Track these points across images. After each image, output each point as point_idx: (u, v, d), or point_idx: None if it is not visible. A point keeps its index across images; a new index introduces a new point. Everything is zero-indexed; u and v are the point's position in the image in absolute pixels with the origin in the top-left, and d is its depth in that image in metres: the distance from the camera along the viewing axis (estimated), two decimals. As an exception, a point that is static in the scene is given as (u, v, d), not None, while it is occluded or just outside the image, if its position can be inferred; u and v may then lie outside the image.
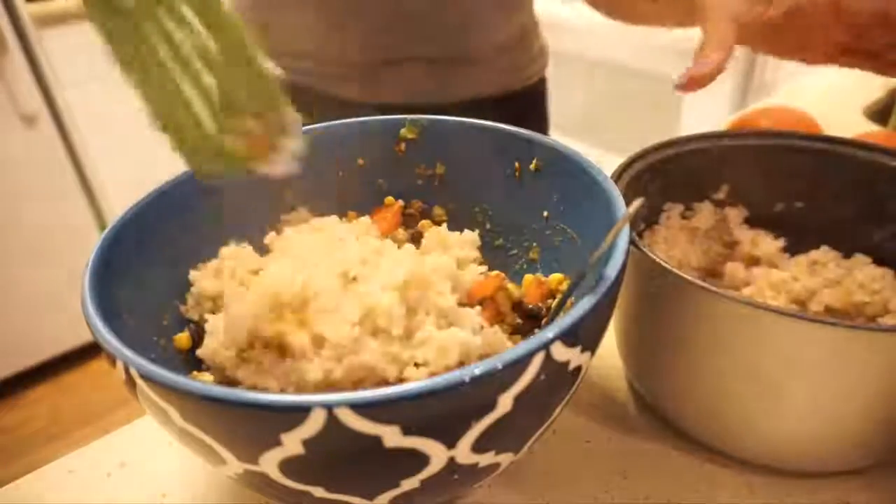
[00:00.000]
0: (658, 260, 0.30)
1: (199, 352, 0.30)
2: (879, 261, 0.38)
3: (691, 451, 0.35)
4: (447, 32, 0.59)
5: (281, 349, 0.29)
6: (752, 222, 0.42)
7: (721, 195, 0.42)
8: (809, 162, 0.40)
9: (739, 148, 0.41)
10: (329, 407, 0.19)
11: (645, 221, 0.40)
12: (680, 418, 0.36)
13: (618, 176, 0.36)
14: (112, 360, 0.23)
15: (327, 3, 0.56)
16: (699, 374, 0.32)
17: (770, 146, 0.40)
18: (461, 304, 0.31)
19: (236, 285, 0.33)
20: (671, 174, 0.40)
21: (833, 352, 0.27)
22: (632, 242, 0.31)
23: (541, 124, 0.74)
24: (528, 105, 0.69)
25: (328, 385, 0.26)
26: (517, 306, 0.36)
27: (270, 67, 0.26)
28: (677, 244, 0.40)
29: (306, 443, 0.21)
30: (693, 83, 0.35)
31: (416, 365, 0.27)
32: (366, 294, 0.28)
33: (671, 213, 0.41)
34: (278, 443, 0.21)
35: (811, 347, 0.27)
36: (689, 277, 0.29)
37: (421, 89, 0.60)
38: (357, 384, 0.27)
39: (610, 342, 0.38)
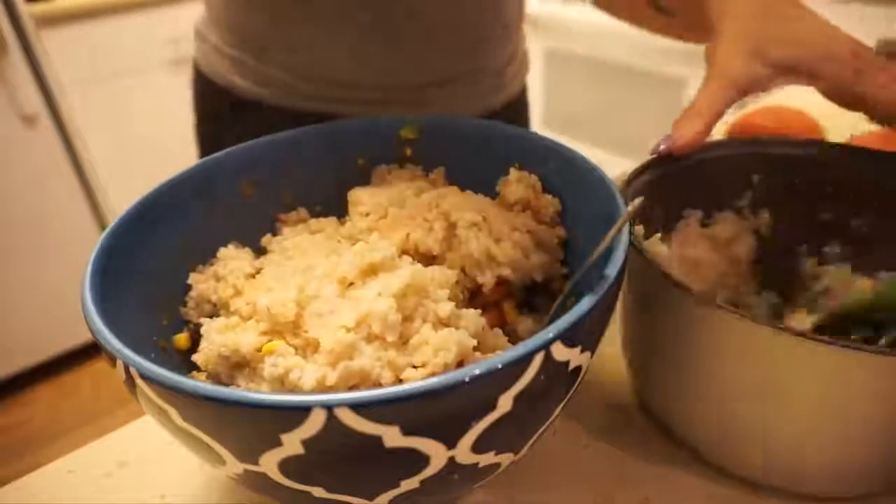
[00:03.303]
0: (663, 271, 0.29)
1: (194, 357, 0.30)
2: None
3: (689, 456, 0.35)
4: (469, 49, 0.59)
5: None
6: (775, 231, 0.41)
7: (744, 202, 0.41)
8: (835, 172, 0.39)
9: (762, 156, 0.40)
10: (329, 407, 0.19)
11: (662, 228, 0.39)
12: (682, 433, 0.35)
13: (629, 181, 0.35)
14: (112, 360, 0.23)
15: (364, 33, 0.54)
16: (702, 390, 0.32)
17: (794, 155, 0.40)
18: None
19: (231, 292, 0.32)
20: (692, 180, 0.39)
21: (841, 374, 0.26)
22: (639, 251, 0.30)
23: (526, 126, 0.74)
24: (516, 113, 0.69)
25: (322, 390, 0.26)
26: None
27: None
28: (695, 252, 0.40)
29: (306, 443, 0.21)
30: (667, 155, 0.36)
31: (415, 367, 0.27)
32: (362, 299, 0.28)
33: (690, 221, 0.40)
34: (278, 443, 0.21)
35: (815, 368, 0.27)
36: (692, 289, 0.28)
37: (458, 107, 0.60)
38: (352, 390, 0.27)
39: (612, 343, 0.38)
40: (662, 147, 0.36)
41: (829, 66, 0.35)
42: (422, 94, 0.58)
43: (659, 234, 0.37)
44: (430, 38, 0.56)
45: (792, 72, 0.35)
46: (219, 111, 0.63)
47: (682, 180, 0.38)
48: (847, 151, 0.39)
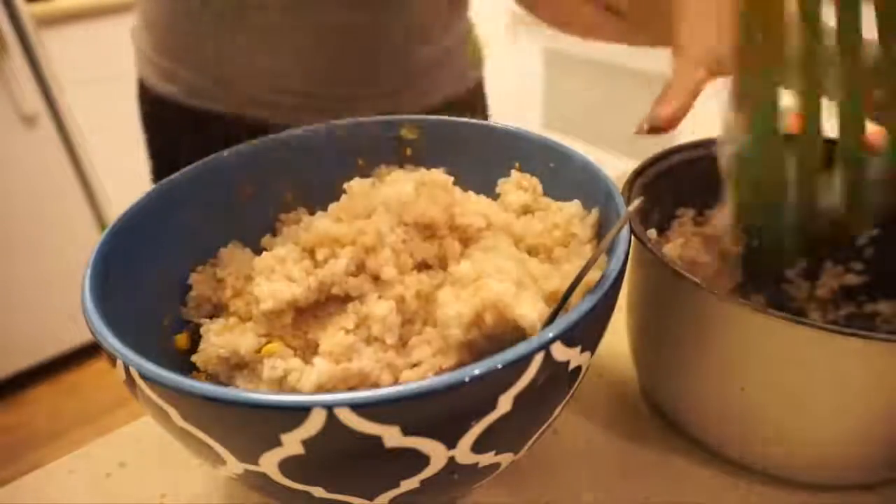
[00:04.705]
0: (671, 265, 0.30)
1: (193, 358, 0.30)
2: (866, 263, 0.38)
3: (693, 453, 0.35)
4: (397, 51, 0.59)
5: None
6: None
7: None
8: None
9: None
10: (329, 407, 0.19)
11: (658, 227, 0.40)
12: (688, 424, 0.35)
13: (632, 182, 0.36)
14: (112, 360, 0.23)
15: (298, 39, 0.55)
16: (720, 386, 0.32)
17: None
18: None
19: (231, 293, 0.32)
20: (684, 179, 0.39)
21: (864, 365, 0.26)
22: (646, 247, 0.31)
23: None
24: (471, 108, 0.69)
25: (321, 391, 0.26)
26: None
27: None
28: (691, 249, 0.40)
29: (306, 443, 0.21)
30: (653, 132, 0.35)
31: (414, 365, 0.27)
32: (361, 301, 0.28)
33: (684, 220, 0.41)
34: (278, 443, 0.21)
35: (836, 359, 0.27)
36: (702, 283, 0.28)
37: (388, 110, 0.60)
38: (351, 390, 0.27)
39: (614, 342, 0.38)
40: (645, 126, 0.35)
41: None
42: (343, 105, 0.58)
43: (655, 234, 0.37)
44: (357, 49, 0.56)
45: None
46: (160, 123, 0.63)
47: (675, 179, 0.39)
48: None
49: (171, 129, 0.62)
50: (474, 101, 0.70)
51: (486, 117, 0.73)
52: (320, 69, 0.57)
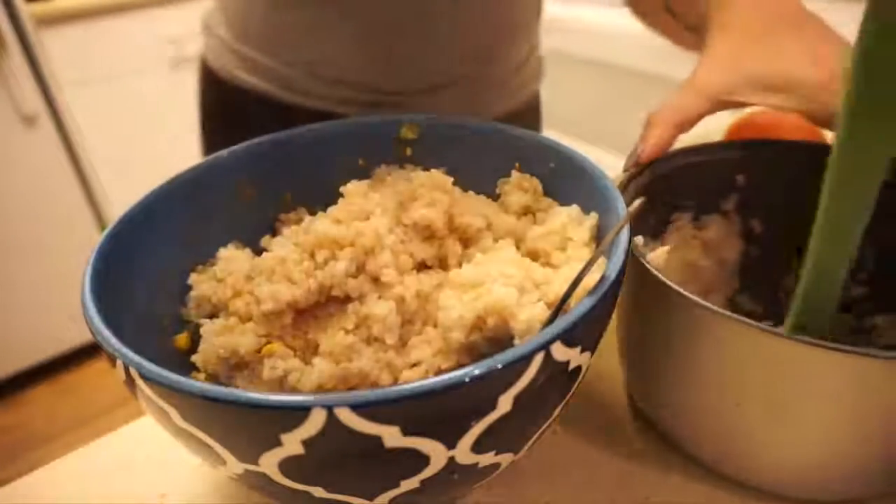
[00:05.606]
0: (657, 275, 0.29)
1: (193, 358, 0.30)
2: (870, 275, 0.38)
3: (689, 468, 0.35)
4: (477, 56, 0.58)
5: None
6: (764, 232, 0.41)
7: (729, 205, 0.41)
8: (818, 173, 0.39)
9: (748, 159, 0.40)
10: (329, 407, 0.19)
11: (653, 233, 0.39)
12: (683, 440, 0.35)
13: (625, 184, 0.35)
14: (112, 360, 0.23)
15: (368, 30, 0.54)
16: (704, 399, 0.31)
17: (779, 157, 0.40)
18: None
19: (231, 293, 0.32)
20: (681, 183, 0.39)
21: (853, 381, 0.26)
22: (636, 256, 0.30)
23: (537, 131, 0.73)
24: (527, 118, 0.69)
25: (321, 391, 0.26)
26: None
27: None
28: (687, 255, 0.40)
29: (306, 443, 0.21)
30: (636, 167, 0.37)
31: (414, 365, 0.27)
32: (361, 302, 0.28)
33: (681, 223, 0.40)
34: (278, 443, 0.21)
35: (825, 375, 0.26)
36: (692, 296, 0.28)
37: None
38: (351, 391, 0.27)
39: (613, 345, 0.38)
40: (631, 162, 0.37)
41: (807, 90, 0.36)
42: (421, 98, 0.57)
43: (644, 241, 0.37)
44: (433, 41, 0.55)
45: (770, 90, 0.36)
46: (224, 107, 0.62)
47: (672, 183, 0.38)
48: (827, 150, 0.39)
49: (238, 117, 0.61)
50: (535, 111, 0.70)
51: (539, 130, 0.73)
52: (412, 64, 0.56)
